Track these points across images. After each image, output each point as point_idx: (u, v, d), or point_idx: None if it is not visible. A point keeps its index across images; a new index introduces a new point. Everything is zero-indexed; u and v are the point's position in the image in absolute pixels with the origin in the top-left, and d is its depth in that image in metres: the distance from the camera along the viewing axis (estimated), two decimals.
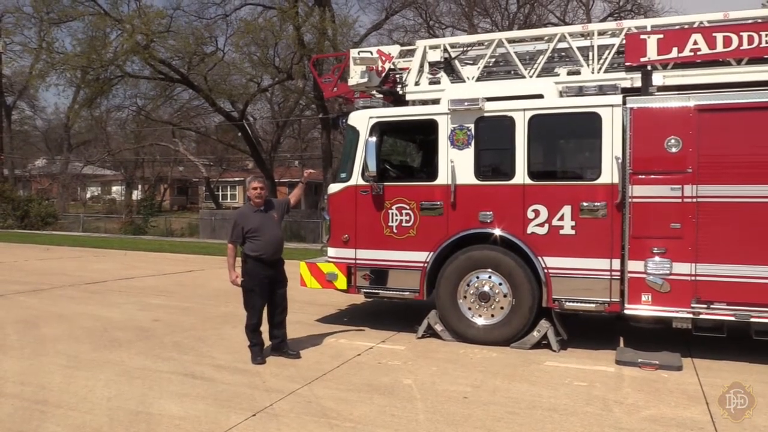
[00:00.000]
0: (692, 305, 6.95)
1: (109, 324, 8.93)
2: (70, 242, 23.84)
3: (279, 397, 5.83)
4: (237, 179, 56.87)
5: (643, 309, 7.17)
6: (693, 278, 6.95)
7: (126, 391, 5.95)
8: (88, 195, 56.96)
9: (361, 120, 8.38)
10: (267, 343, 7.22)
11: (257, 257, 7.03)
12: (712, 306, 6.90)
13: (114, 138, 47.31)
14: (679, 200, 6.97)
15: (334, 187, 8.63)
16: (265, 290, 7.10)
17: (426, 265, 8.02)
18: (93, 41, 26.09)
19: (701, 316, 6.96)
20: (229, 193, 58.26)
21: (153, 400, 5.71)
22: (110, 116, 40.47)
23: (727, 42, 7.15)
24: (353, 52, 9.15)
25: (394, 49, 9.24)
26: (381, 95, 9.10)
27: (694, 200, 6.92)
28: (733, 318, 6.84)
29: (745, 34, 7.10)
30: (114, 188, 57.52)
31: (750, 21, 7.57)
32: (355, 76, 8.94)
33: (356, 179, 8.32)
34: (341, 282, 8.38)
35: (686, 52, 7.30)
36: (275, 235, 7.17)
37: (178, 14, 33.67)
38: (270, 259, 7.09)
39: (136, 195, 48.96)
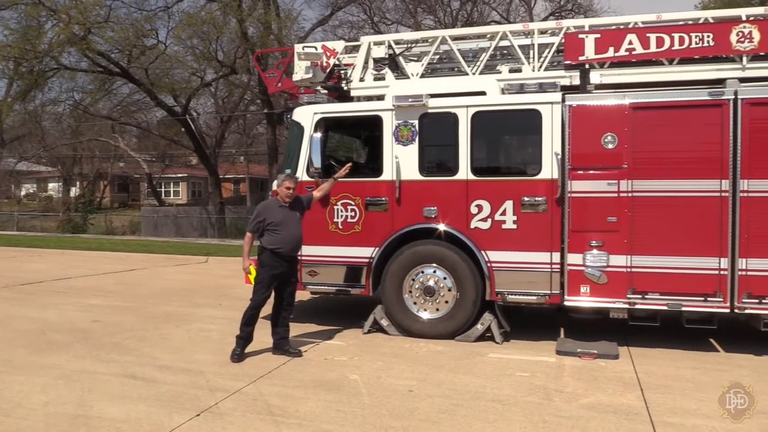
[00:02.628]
0: (628, 296, 7.22)
1: (45, 326, 8.63)
2: (4, 242, 22.88)
3: (224, 396, 5.76)
4: (180, 175, 55.63)
5: (582, 300, 7.40)
6: (628, 270, 7.21)
7: (64, 395, 5.77)
8: (23, 192, 54.74)
9: (306, 115, 8.35)
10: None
11: (274, 251, 7.02)
12: (646, 296, 7.19)
13: (50, 133, 45.46)
14: (615, 195, 7.21)
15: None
16: (273, 284, 7.12)
17: (371, 260, 8.07)
18: (27, 31, 25.04)
19: (636, 306, 7.24)
20: (172, 189, 56.83)
21: (92, 404, 5.56)
22: (46, 110, 38.82)
23: (659, 42, 7.42)
24: (298, 47, 9.10)
25: (338, 45, 9.23)
26: (326, 91, 9.08)
27: (629, 195, 7.17)
28: (665, 307, 7.15)
29: (676, 35, 7.38)
30: (50, 185, 55.32)
31: (681, 23, 7.88)
32: (300, 71, 8.90)
33: (301, 175, 8.28)
34: None
35: (622, 52, 7.53)
36: (296, 232, 7.19)
37: (117, 5, 32.73)
38: (287, 255, 7.10)
39: (74, 192, 47.29)
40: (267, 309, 7.26)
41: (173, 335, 8.16)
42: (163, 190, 54.37)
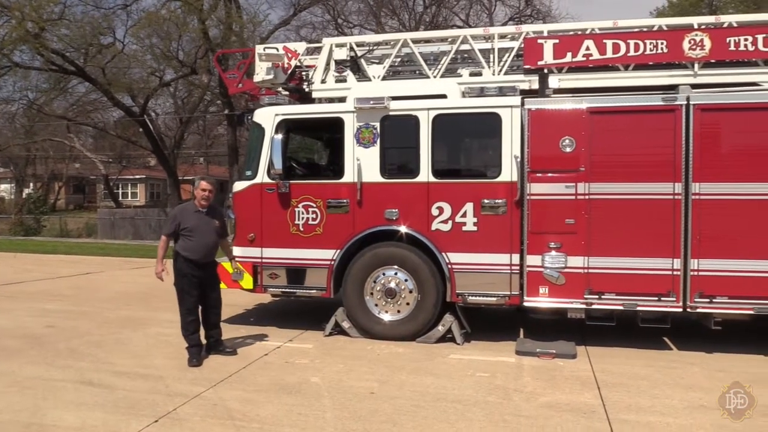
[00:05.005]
0: (585, 296, 7.37)
1: None
2: None
3: (183, 401, 5.68)
4: (138, 177, 54.65)
5: (540, 301, 7.52)
6: (586, 271, 7.36)
7: (16, 403, 5.62)
8: None
9: (267, 117, 8.29)
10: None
11: (186, 257, 6.92)
12: (603, 296, 7.35)
13: (2, 133, 44.18)
14: (573, 197, 7.35)
15: (239, 185, 8.50)
16: (195, 289, 7.01)
17: (333, 262, 8.05)
18: None
19: (593, 306, 7.39)
20: (129, 191, 55.77)
21: (47, 411, 5.42)
22: None
23: (616, 48, 7.60)
24: (259, 48, 9.03)
25: (300, 46, 9.18)
26: (287, 92, 9.03)
27: (587, 197, 7.32)
28: (621, 307, 7.31)
29: (632, 42, 7.58)
30: (2, 186, 53.75)
31: (636, 30, 8.07)
32: (261, 72, 8.82)
33: (262, 177, 8.23)
34: (247, 281, 8.25)
35: (579, 57, 7.70)
36: (209, 239, 7.07)
37: (73, 2, 31.98)
38: (199, 261, 7.00)
39: (27, 193, 45.96)
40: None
41: (131, 340, 8.01)
42: (120, 191, 53.35)
